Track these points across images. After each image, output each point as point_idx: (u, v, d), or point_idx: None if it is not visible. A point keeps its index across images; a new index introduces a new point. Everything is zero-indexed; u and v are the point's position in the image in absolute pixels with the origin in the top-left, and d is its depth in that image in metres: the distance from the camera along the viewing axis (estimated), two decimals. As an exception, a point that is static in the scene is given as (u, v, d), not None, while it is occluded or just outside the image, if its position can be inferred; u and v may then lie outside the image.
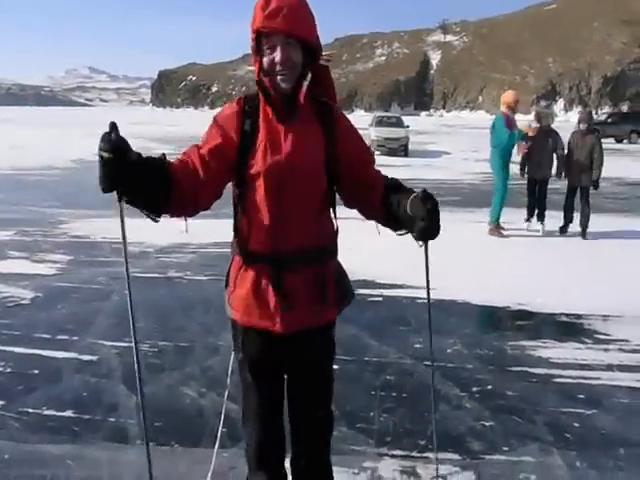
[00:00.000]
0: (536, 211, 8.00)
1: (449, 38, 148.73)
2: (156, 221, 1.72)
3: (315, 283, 1.84)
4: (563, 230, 7.80)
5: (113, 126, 1.52)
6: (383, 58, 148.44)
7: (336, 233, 1.95)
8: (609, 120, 31.93)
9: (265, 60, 1.75)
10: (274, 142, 1.78)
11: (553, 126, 8.09)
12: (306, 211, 1.82)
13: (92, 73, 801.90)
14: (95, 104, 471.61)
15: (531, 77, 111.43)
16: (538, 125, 7.94)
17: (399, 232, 1.87)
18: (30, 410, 3.18)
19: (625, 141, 29.97)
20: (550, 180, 7.94)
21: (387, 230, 1.95)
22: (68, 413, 3.15)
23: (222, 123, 1.81)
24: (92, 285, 5.42)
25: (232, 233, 1.92)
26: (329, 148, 1.84)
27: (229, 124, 1.80)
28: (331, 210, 1.93)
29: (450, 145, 25.18)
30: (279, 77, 1.74)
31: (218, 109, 1.98)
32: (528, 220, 8.12)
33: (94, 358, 3.83)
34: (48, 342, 4.09)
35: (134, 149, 1.58)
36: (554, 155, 7.78)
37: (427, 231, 1.73)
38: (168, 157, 1.73)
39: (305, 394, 1.99)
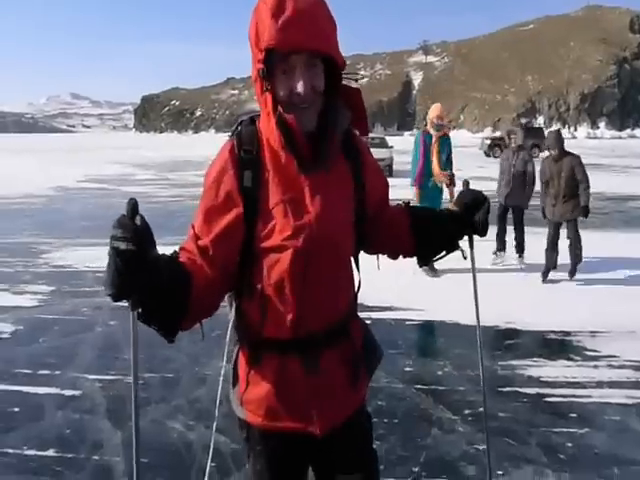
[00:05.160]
0: (514, 242, 6.92)
1: (430, 59, 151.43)
2: (171, 341, 1.27)
3: (346, 361, 1.47)
4: (544, 278, 6.32)
5: (134, 206, 1.11)
6: (365, 79, 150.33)
7: (358, 287, 1.56)
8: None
9: (280, 89, 1.28)
10: (296, 201, 1.33)
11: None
12: (335, 282, 1.42)
13: (74, 99, 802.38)
14: (78, 130, 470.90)
15: (511, 95, 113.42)
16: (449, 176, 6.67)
17: (440, 254, 1.71)
18: (10, 450, 3.08)
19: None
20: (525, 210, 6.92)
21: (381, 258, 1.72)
22: (50, 452, 3.06)
23: (215, 189, 1.32)
24: (75, 316, 5.32)
25: (230, 317, 1.50)
26: (358, 191, 1.46)
27: (224, 188, 1.32)
28: (353, 261, 1.54)
29: (433, 164, 25.36)
30: (300, 112, 1.28)
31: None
32: (497, 252, 7.05)
33: (77, 393, 3.73)
34: (29, 377, 3.99)
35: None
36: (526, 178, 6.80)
37: (485, 216, 1.59)
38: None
39: None
